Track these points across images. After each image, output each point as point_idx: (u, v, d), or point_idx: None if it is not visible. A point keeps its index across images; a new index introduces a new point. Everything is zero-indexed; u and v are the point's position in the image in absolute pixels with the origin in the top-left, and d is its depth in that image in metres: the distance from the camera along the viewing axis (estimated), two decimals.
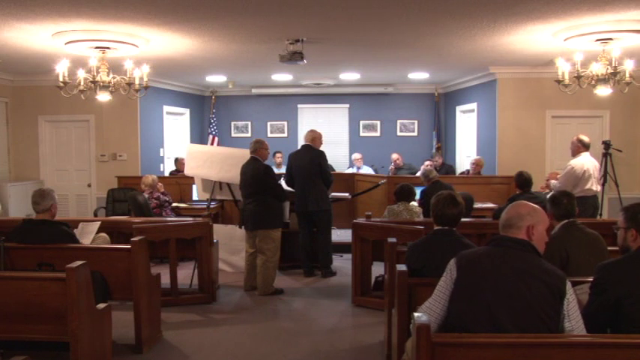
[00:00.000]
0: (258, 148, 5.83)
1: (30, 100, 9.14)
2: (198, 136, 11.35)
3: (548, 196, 4.10)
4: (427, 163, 9.44)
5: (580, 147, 6.23)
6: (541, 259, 2.38)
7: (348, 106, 11.43)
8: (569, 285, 2.31)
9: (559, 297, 2.27)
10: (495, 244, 2.46)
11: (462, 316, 2.33)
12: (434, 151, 10.52)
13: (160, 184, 7.41)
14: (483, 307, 2.28)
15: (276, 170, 8.12)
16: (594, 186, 6.18)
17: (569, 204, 3.54)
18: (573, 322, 2.29)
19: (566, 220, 3.51)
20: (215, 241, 5.65)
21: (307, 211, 6.30)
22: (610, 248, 3.46)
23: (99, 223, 5.11)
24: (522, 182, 5.66)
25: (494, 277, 2.31)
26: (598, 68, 5.83)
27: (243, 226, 5.93)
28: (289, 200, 6.25)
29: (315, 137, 6.46)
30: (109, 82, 6.13)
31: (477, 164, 8.41)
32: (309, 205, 6.27)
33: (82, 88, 6.09)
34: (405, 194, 5.84)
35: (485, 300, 2.29)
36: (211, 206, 7.27)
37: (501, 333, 2.22)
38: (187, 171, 7.12)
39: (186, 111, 10.92)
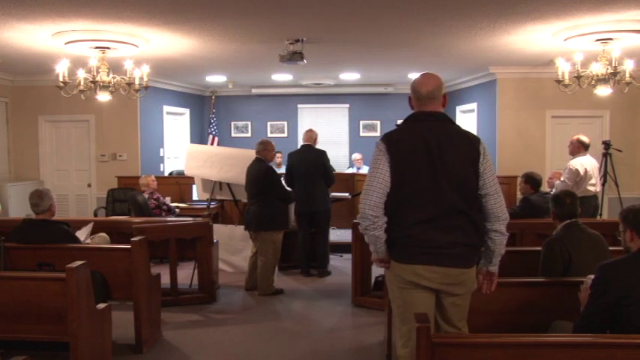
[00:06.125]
0: (262, 149, 5.80)
1: (30, 100, 9.13)
2: (198, 136, 11.34)
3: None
4: None
5: (580, 147, 6.22)
6: (456, 125, 2.59)
7: (348, 106, 11.43)
8: (483, 145, 2.55)
9: (477, 158, 2.51)
10: (415, 120, 2.56)
11: (399, 196, 2.50)
12: None
13: (155, 182, 7.22)
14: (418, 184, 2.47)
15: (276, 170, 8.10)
16: (594, 186, 6.18)
17: (572, 204, 3.52)
18: (485, 177, 2.51)
19: (568, 221, 3.50)
20: (215, 241, 5.65)
21: (311, 211, 6.28)
22: (611, 248, 3.46)
23: (92, 224, 5.00)
24: (536, 183, 5.65)
25: (424, 154, 2.47)
26: (598, 68, 5.83)
27: (245, 228, 5.89)
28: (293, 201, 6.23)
29: (315, 137, 6.47)
30: (109, 82, 6.13)
31: None
32: (315, 204, 6.25)
33: (82, 88, 6.09)
34: None
35: (419, 177, 2.46)
36: (211, 206, 7.26)
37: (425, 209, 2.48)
38: (187, 171, 7.11)
39: (186, 111, 10.91)
